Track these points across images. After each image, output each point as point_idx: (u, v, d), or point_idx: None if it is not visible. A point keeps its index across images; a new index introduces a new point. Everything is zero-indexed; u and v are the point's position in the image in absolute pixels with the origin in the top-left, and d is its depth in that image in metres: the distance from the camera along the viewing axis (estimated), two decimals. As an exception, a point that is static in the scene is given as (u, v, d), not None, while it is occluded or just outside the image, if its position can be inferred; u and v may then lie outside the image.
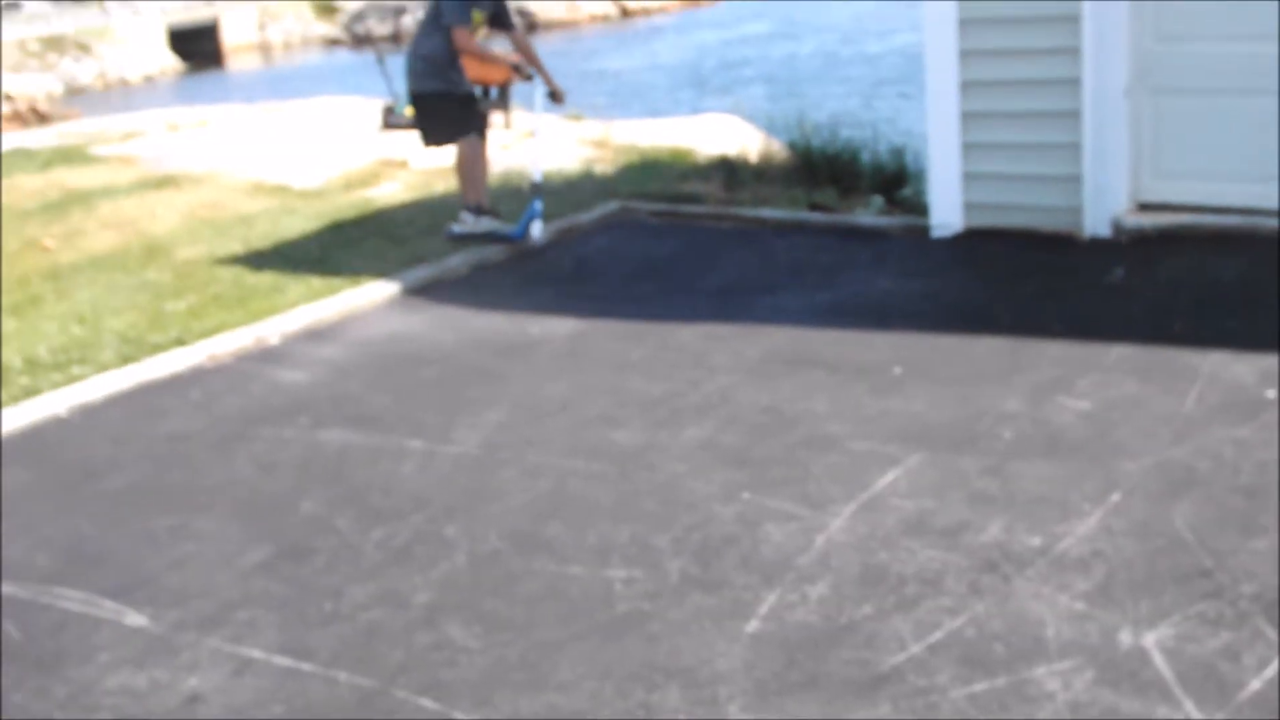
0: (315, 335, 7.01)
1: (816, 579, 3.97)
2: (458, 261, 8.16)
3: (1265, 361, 5.25)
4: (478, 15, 8.65)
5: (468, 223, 8.70)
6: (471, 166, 8.76)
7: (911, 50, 38.14)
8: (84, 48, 63.17)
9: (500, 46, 9.22)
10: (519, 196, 9.54)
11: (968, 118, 7.53)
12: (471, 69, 9.74)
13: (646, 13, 78.79)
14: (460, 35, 8.43)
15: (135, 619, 4.13)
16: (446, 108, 8.70)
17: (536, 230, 8.51)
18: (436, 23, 8.63)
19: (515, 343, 6.60)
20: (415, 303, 7.49)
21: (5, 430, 5.93)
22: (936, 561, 4.00)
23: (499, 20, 8.91)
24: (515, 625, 3.89)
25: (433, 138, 8.93)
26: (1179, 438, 4.68)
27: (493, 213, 8.77)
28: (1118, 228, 7.23)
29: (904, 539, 4.16)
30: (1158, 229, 7.16)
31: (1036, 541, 4.06)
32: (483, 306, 7.27)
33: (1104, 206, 7.23)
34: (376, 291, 7.60)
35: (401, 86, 10.56)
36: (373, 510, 4.75)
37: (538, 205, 8.55)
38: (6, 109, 37.77)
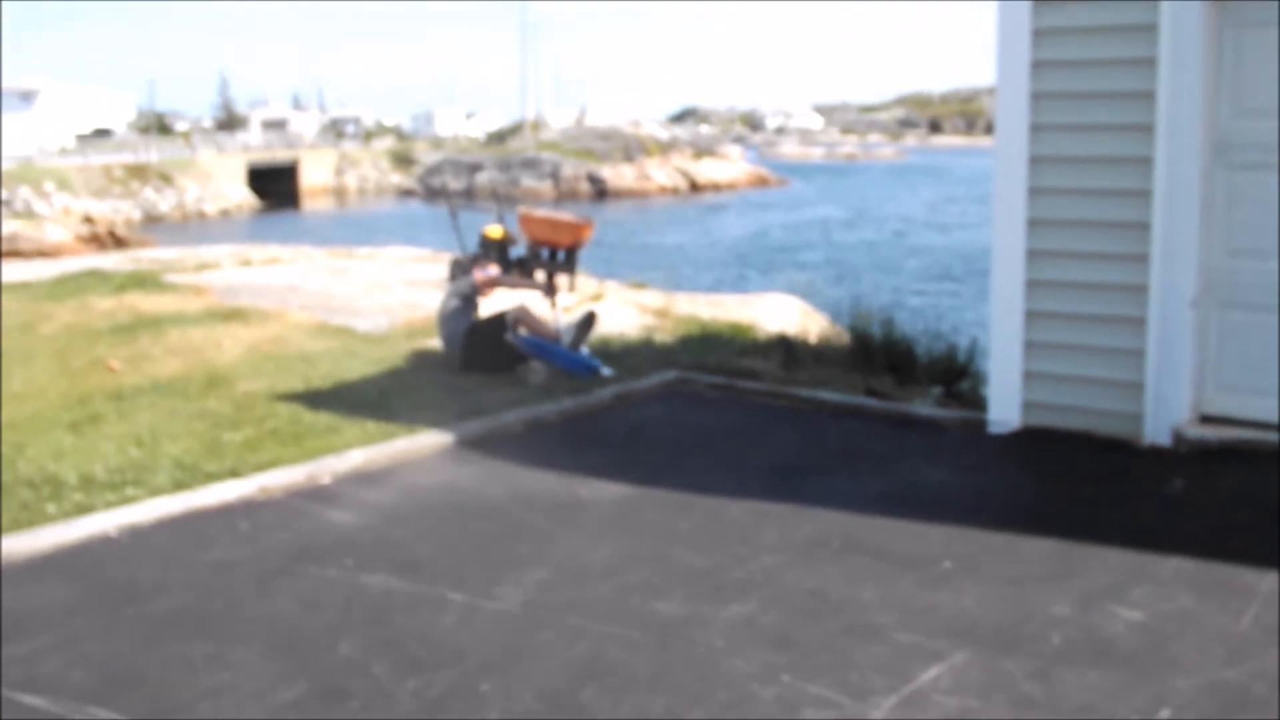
0: (367, 478, 7.04)
1: (854, 770, 3.90)
2: (513, 418, 8.21)
3: (1323, 588, 5.16)
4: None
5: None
6: None
7: (968, 250, 38.75)
8: (166, 178, 64.89)
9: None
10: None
11: (1032, 316, 7.58)
12: (538, 230, 10.18)
13: (715, 188, 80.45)
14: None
15: (163, 748, 4.10)
16: None
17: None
18: None
19: (564, 503, 6.60)
20: (468, 454, 7.52)
21: (54, 545, 5.97)
22: (977, 763, 3.92)
23: None
24: (544, 790, 3.82)
25: None
26: (1233, 658, 4.59)
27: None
28: (1178, 438, 7.19)
29: (945, 737, 4.08)
30: (1219, 442, 7.12)
31: (1081, 752, 3.97)
32: (535, 464, 7.29)
33: (1165, 416, 7.21)
34: (431, 440, 7.65)
35: (472, 241, 10.79)
36: (410, 659, 4.72)
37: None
38: (85, 231, 38.71)
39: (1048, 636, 4.82)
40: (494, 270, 10.14)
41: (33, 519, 6.30)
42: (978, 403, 8.33)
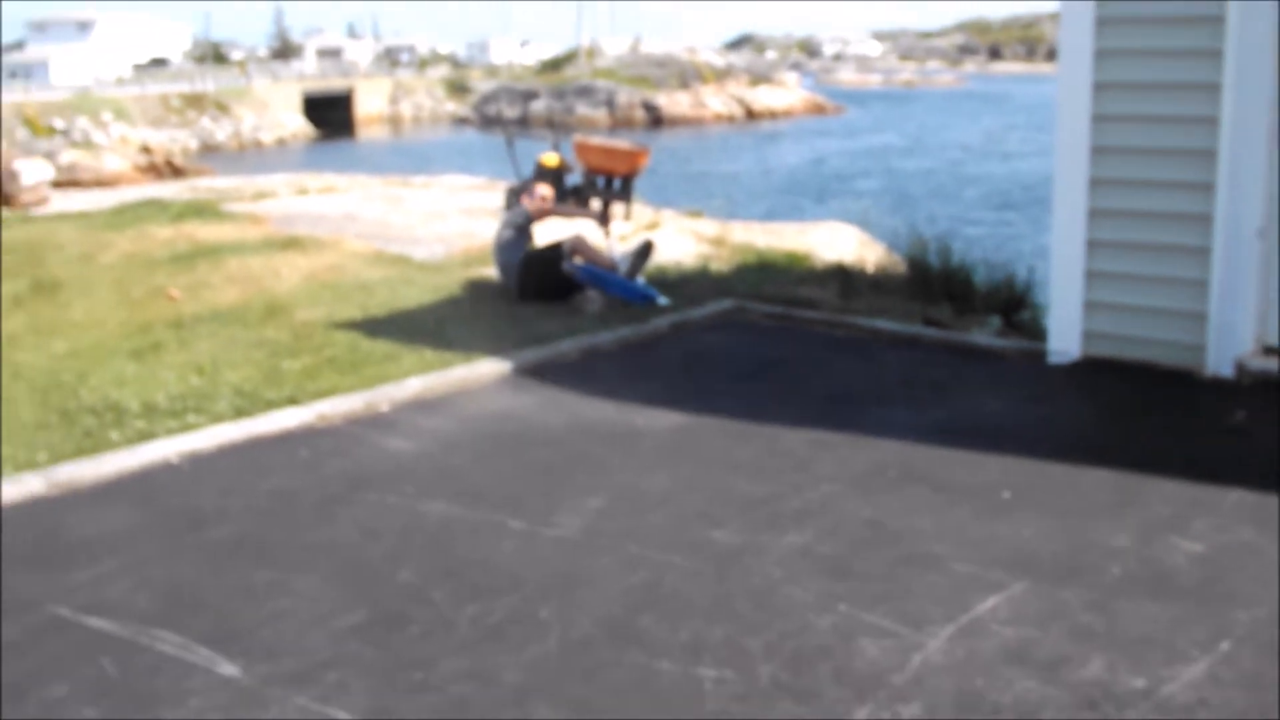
0: (425, 406, 7.08)
1: (910, 699, 3.90)
2: (570, 346, 8.22)
3: (1389, 520, 5.10)
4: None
5: None
6: None
7: (1027, 179, 38.32)
8: (222, 107, 65.14)
9: None
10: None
11: (1093, 245, 7.48)
12: (594, 158, 10.15)
13: (772, 115, 79.82)
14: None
15: (228, 668, 4.17)
16: None
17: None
18: None
19: (621, 432, 6.62)
20: (526, 383, 7.55)
21: (117, 471, 6.06)
22: (1034, 694, 3.91)
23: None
24: (602, 714, 3.86)
25: None
26: (1295, 590, 4.55)
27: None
28: (1241, 369, 7.10)
29: (1002, 667, 4.08)
30: (1283, 374, 7.02)
31: (1140, 683, 3.95)
32: (592, 392, 7.30)
33: (1228, 346, 7.11)
34: (488, 368, 7.68)
35: (527, 169, 10.77)
36: (469, 585, 4.76)
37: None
38: (143, 161, 38.95)
39: (1107, 567, 4.79)
40: (541, 190, 10.07)
41: (96, 446, 6.39)
42: (1037, 332, 8.25)
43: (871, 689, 3.96)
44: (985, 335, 8.42)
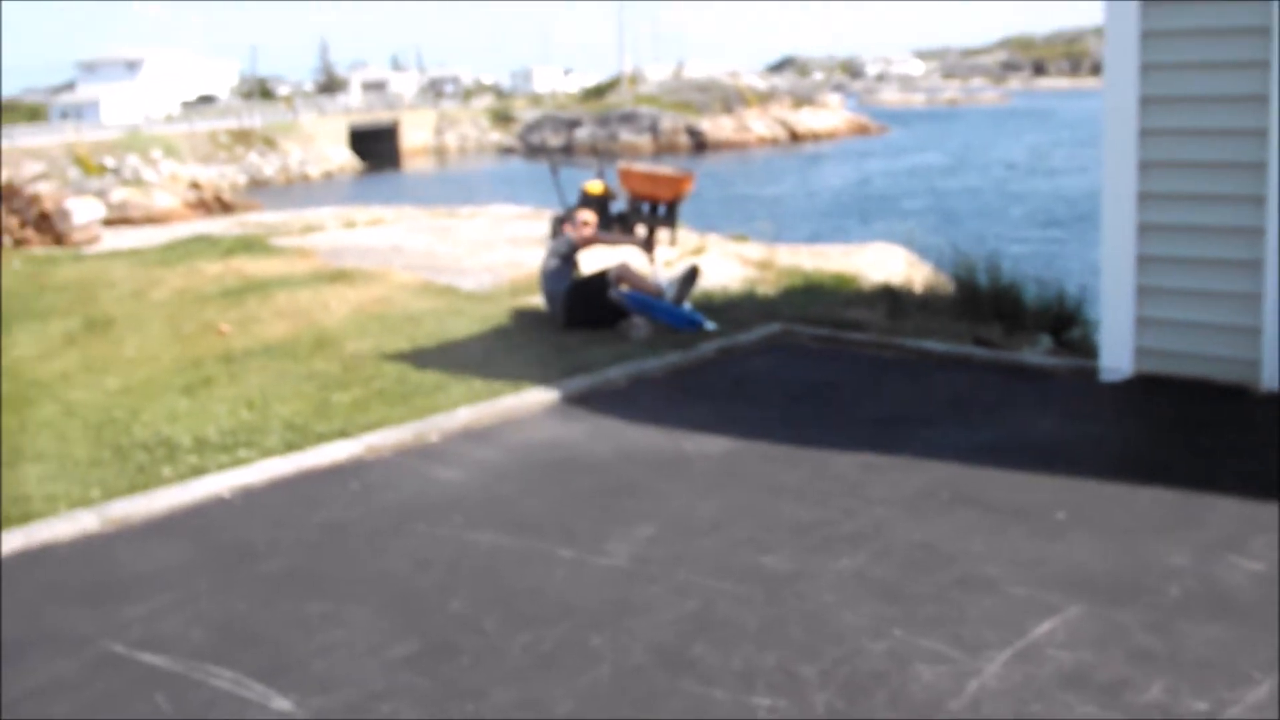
0: (474, 436, 7.09)
1: (967, 725, 3.85)
2: (617, 373, 8.22)
3: None
4: None
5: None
6: None
7: (1073, 195, 38.03)
8: (270, 142, 65.73)
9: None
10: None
11: (1144, 261, 7.40)
12: (638, 185, 10.18)
13: (815, 137, 79.75)
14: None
15: (281, 703, 4.17)
16: None
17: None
18: None
19: (669, 458, 6.60)
20: (573, 411, 7.55)
21: (170, 506, 6.10)
22: (1094, 719, 3.85)
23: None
24: (656, 745, 3.83)
25: None
26: (1359, 609, 4.46)
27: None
28: (1297, 384, 7.00)
29: (1060, 692, 4.02)
30: (1340, 388, 6.92)
31: (1202, 706, 3.88)
32: (639, 419, 7.29)
33: (1283, 361, 7.01)
34: (536, 397, 7.68)
35: (572, 197, 10.79)
36: (520, 614, 4.75)
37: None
38: (192, 197, 39.35)
39: (1165, 588, 4.72)
40: (583, 216, 10.09)
41: (149, 481, 6.44)
42: (1089, 350, 8.17)
43: (928, 715, 3.92)
44: (1036, 354, 8.35)
